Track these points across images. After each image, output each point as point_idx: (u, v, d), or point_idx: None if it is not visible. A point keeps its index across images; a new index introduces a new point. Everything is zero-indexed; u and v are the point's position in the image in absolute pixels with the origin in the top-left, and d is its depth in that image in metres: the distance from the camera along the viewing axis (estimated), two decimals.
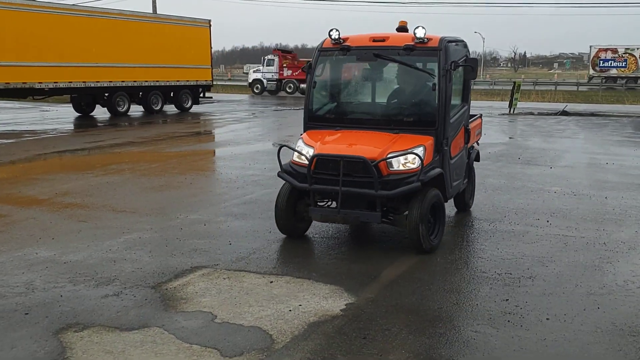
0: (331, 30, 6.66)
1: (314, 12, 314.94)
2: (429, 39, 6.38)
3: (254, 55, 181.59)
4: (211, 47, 26.95)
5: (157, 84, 24.23)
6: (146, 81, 23.67)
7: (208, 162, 11.84)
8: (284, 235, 6.63)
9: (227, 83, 60.90)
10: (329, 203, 6.45)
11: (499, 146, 14.70)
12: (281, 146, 6.37)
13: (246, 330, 4.28)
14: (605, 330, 4.33)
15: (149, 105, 24.22)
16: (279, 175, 6.37)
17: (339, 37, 6.65)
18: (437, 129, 6.28)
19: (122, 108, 23.14)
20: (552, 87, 47.47)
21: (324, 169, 6.06)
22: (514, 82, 29.19)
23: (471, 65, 6.79)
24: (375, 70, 7.08)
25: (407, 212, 5.99)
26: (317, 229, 6.95)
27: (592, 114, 26.01)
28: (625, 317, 4.58)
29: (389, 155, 5.91)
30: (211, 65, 27.16)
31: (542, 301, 4.84)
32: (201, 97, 26.81)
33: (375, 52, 6.54)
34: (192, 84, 25.97)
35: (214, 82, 29.35)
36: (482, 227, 7.19)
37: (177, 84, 25.15)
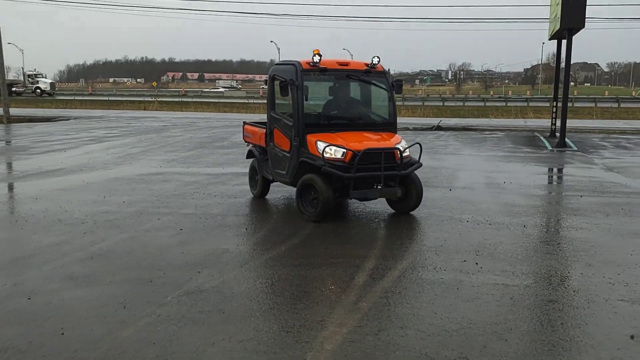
0: (314, 55, 8.13)
1: (188, 22, 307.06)
2: (376, 65, 8.61)
3: (118, 68, 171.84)
4: None
5: None
6: None
7: (47, 195, 9.40)
8: (143, 314, 4.67)
9: (87, 98, 56.08)
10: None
11: None
12: (328, 144, 7.73)
13: None
14: None
15: None
16: (323, 170, 7.63)
17: (318, 61, 8.13)
18: (394, 128, 8.78)
19: None
20: (420, 102, 48.60)
21: (366, 160, 7.68)
22: None
23: (400, 84, 8.91)
24: (347, 86, 8.84)
25: (396, 187, 8.07)
26: (194, 306, 5.07)
27: (465, 128, 26.23)
28: None
29: (397, 147, 7.98)
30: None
31: None
32: None
33: (347, 74, 8.56)
34: None
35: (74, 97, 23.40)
36: (404, 277, 5.72)
37: None
